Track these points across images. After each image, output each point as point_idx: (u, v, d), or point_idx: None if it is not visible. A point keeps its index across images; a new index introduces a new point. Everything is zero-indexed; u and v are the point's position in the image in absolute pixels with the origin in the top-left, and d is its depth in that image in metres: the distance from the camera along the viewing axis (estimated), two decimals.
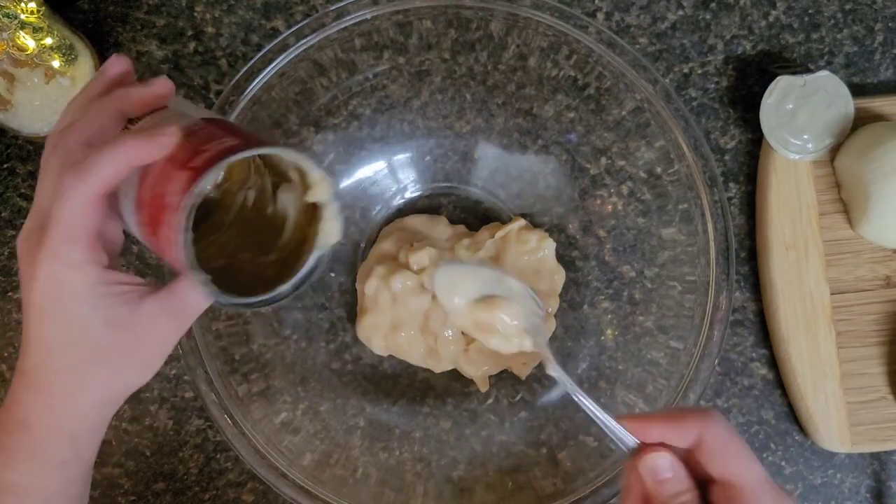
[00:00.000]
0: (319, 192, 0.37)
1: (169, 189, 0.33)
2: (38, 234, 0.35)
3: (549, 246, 0.56)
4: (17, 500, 0.36)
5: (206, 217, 0.41)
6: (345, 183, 0.58)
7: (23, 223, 0.57)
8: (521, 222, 0.56)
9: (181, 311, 0.37)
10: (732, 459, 0.35)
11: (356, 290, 0.57)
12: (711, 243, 0.50)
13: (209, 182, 0.32)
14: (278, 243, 0.40)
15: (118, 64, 0.39)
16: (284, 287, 0.37)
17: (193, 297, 0.37)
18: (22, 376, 0.36)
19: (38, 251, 0.34)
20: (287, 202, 0.40)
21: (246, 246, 0.41)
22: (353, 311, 0.57)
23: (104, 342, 0.35)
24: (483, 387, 0.56)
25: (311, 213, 0.39)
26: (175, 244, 0.33)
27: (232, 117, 0.50)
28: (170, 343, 0.38)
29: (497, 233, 0.56)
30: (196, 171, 0.32)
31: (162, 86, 0.37)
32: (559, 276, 0.57)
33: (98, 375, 0.36)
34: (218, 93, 0.58)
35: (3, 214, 0.58)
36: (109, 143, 0.34)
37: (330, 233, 0.38)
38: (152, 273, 0.58)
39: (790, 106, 0.56)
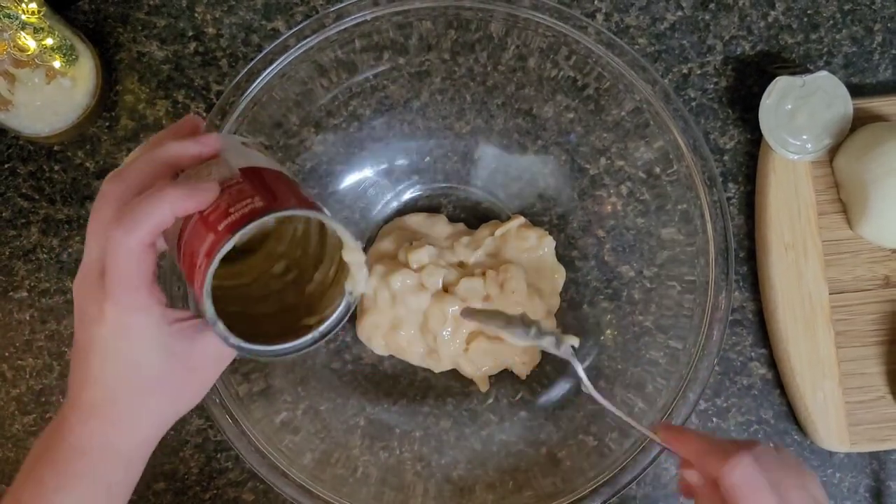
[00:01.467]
0: (349, 251, 0.39)
1: (198, 248, 0.35)
2: (98, 281, 0.37)
3: (548, 244, 0.56)
4: None
5: (248, 251, 0.44)
6: (345, 184, 0.58)
7: (23, 223, 0.58)
8: (521, 220, 0.57)
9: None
10: None
11: None
12: (711, 243, 0.51)
13: (229, 247, 0.34)
14: (302, 297, 0.42)
15: (188, 124, 0.41)
16: (313, 335, 0.39)
17: None
18: (79, 409, 0.38)
19: (102, 298, 0.36)
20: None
21: (267, 297, 0.43)
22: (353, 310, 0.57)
23: (164, 375, 0.38)
24: (483, 386, 0.56)
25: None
26: (200, 299, 0.35)
27: (233, 118, 0.50)
28: (218, 373, 0.41)
29: (497, 230, 0.56)
30: (219, 234, 0.34)
31: (208, 145, 0.39)
32: (559, 275, 0.57)
33: (157, 404, 0.39)
34: (218, 93, 0.59)
35: (3, 214, 0.58)
36: (152, 194, 0.36)
37: (359, 284, 0.39)
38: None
39: (789, 106, 0.56)
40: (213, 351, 0.39)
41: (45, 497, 0.38)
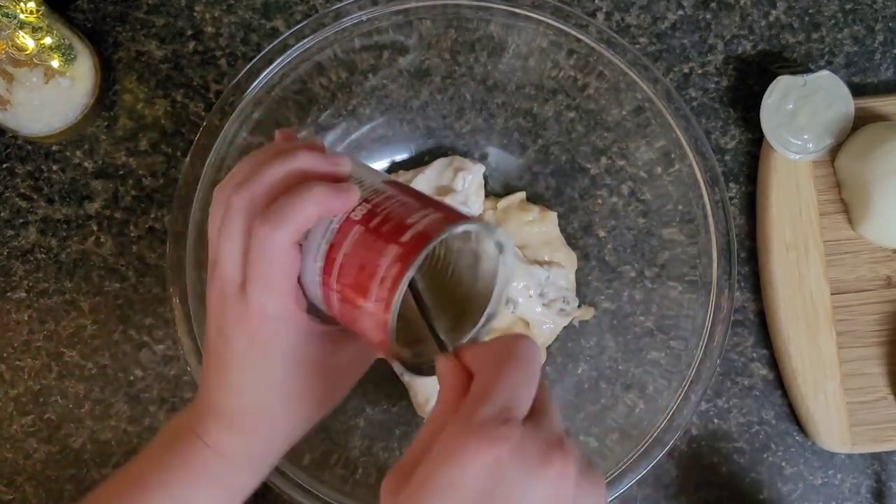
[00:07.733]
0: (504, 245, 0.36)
1: (375, 260, 0.33)
2: (238, 293, 0.35)
3: (552, 217, 0.56)
4: None
5: None
6: None
7: (21, 223, 0.57)
8: (522, 195, 0.56)
9: (371, 354, 0.40)
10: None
11: None
12: (713, 243, 0.50)
13: (421, 259, 0.32)
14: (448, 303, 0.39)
15: (315, 142, 0.38)
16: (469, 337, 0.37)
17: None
18: (218, 415, 0.38)
19: (244, 310, 0.35)
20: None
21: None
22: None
23: (309, 386, 0.38)
24: None
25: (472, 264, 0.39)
26: (379, 321, 0.33)
27: (232, 117, 0.50)
28: (359, 376, 0.40)
29: (498, 203, 0.55)
30: (408, 245, 0.32)
31: (342, 164, 0.37)
32: (570, 258, 0.56)
33: (300, 413, 0.39)
34: (217, 93, 0.58)
35: (2, 214, 0.58)
36: (298, 191, 0.34)
37: (509, 273, 0.37)
38: (151, 273, 0.58)
39: (790, 106, 0.56)
40: (355, 355, 0.39)
41: (172, 486, 0.39)
